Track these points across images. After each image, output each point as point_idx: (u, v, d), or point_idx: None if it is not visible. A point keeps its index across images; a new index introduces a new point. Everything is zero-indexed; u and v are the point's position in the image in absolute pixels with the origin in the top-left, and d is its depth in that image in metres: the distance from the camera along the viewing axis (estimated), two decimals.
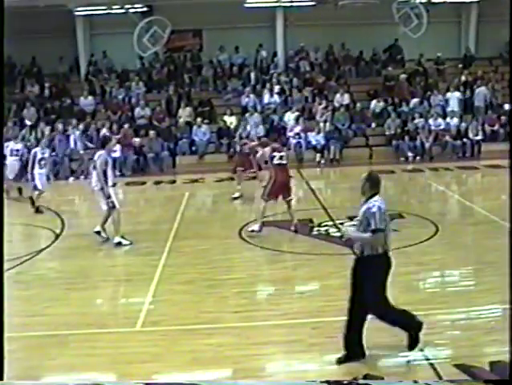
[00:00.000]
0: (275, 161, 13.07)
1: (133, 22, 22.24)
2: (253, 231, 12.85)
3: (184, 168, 22.41)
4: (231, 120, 23.72)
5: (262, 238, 12.61)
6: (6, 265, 11.48)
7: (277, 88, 25.17)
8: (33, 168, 15.99)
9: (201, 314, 8.96)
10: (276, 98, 24.85)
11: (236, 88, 25.86)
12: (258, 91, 25.34)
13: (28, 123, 23.85)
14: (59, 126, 22.86)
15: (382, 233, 7.05)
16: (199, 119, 23.34)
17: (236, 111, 24.31)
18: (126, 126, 23.02)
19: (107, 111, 24.87)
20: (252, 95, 24.74)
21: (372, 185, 7.23)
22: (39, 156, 16.05)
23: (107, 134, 20.04)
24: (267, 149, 13.47)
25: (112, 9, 24.51)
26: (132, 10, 24.19)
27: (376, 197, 7.12)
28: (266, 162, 13.96)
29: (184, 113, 24.09)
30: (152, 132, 22.90)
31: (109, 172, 12.72)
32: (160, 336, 8.32)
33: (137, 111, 24.46)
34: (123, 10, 23.90)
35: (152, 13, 24.70)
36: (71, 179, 21.66)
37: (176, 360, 7.60)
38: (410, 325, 7.29)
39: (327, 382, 6.28)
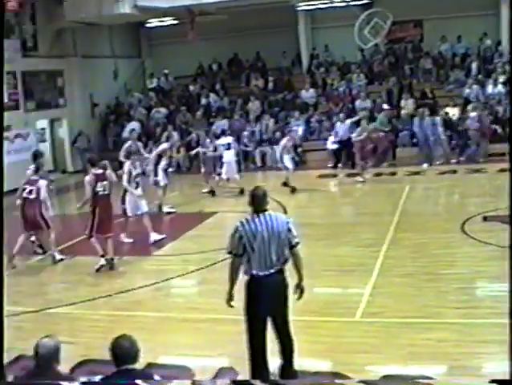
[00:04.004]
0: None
1: (354, 15, 22.32)
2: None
3: (404, 160, 22.19)
4: (454, 112, 23.11)
5: (485, 233, 12.26)
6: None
7: (502, 78, 24.11)
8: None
9: (421, 308, 8.91)
10: (500, 88, 23.78)
11: (458, 79, 25.13)
12: (481, 81, 24.46)
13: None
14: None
15: (237, 258, 6.72)
16: (421, 111, 22.98)
17: (458, 103, 23.64)
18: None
19: (328, 103, 25.25)
20: (475, 86, 23.88)
21: (252, 202, 6.80)
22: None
23: None
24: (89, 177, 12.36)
25: (333, 2, 24.79)
26: (352, 3, 24.33)
27: (254, 216, 6.72)
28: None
29: (407, 105, 23.84)
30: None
31: None
32: (378, 327, 8.40)
33: (358, 102, 24.55)
34: (344, 4, 24.10)
35: (372, 5, 24.69)
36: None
37: (394, 353, 7.64)
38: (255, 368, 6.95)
39: None
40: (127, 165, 13.64)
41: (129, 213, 13.73)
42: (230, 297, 6.96)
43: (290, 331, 7.00)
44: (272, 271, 6.70)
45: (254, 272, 6.69)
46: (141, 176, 14.01)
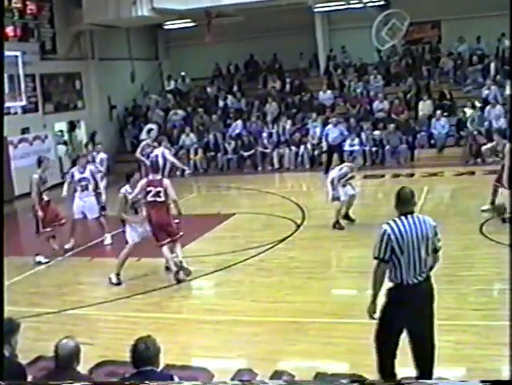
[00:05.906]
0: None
1: (371, 16, 22.24)
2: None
3: (422, 162, 22.09)
4: (471, 113, 22.98)
5: (504, 235, 12.13)
6: (251, 252, 12.27)
7: None
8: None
9: (440, 310, 8.75)
10: None
11: (476, 80, 24.99)
12: (500, 82, 24.28)
13: None
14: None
15: (383, 264, 6.29)
16: (438, 112, 22.89)
17: (477, 104, 23.49)
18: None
19: (345, 105, 25.21)
20: (493, 87, 23.67)
21: (397, 203, 6.45)
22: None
23: None
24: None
25: (350, 4, 24.73)
26: (369, 4, 24.26)
27: (401, 218, 6.33)
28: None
29: (425, 106, 23.74)
30: (391, 126, 22.88)
31: None
32: None
33: (376, 104, 24.49)
34: (361, 5, 24.04)
35: (389, 6, 24.60)
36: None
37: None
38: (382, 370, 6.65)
39: None
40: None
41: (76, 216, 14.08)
42: (374, 308, 6.56)
43: (429, 348, 6.55)
44: (421, 279, 6.36)
45: (403, 279, 6.32)
46: None
